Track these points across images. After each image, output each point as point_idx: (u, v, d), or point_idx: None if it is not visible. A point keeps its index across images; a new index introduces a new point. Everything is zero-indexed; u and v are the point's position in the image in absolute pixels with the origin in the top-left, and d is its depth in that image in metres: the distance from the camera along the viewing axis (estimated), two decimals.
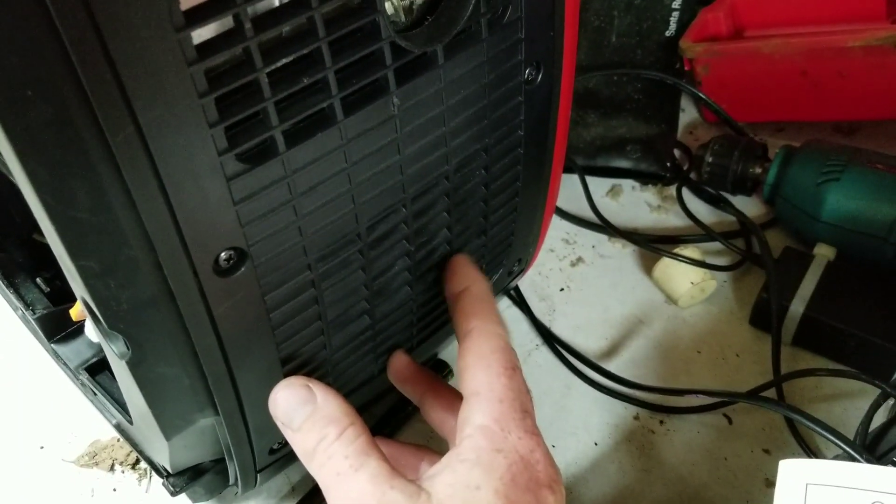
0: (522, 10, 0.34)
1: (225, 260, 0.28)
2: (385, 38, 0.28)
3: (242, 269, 0.29)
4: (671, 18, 0.69)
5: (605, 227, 0.60)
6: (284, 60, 0.26)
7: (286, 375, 0.35)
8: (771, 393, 0.49)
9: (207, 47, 0.24)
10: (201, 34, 0.24)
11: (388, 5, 0.29)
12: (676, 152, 0.67)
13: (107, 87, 0.22)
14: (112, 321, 0.28)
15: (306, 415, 0.32)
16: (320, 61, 0.27)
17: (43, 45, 0.21)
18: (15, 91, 0.22)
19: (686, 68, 0.68)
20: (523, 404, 0.33)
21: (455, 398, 0.37)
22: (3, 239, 0.51)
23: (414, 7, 0.31)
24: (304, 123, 0.28)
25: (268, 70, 0.26)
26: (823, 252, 0.54)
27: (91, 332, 0.45)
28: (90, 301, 0.27)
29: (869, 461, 0.36)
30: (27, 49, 0.21)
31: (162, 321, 0.29)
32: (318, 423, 0.32)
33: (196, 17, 0.23)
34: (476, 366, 0.33)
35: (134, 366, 0.30)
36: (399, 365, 0.40)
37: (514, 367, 0.34)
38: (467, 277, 0.37)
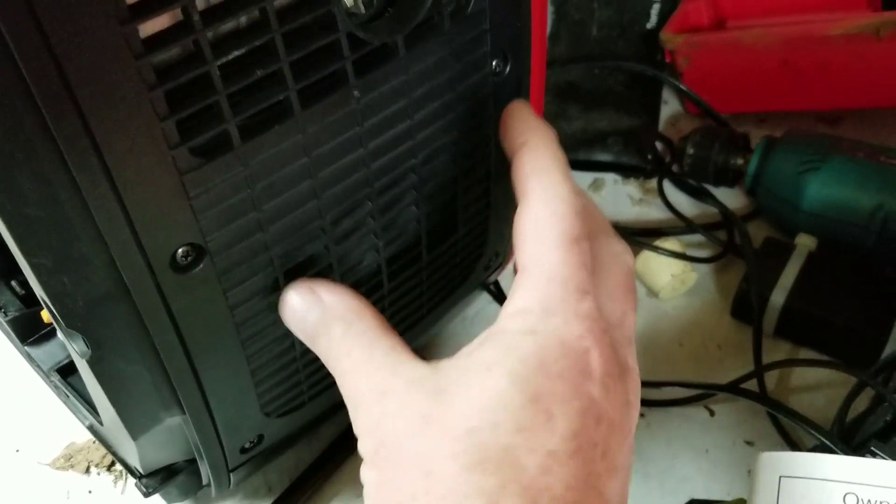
0: (487, 1, 0.33)
1: (182, 256, 0.28)
2: (342, 29, 0.28)
3: (201, 265, 0.29)
4: (652, 10, 0.69)
5: None
6: (237, 53, 0.26)
7: (253, 373, 0.34)
8: (752, 384, 0.48)
9: (155, 41, 0.24)
10: (148, 27, 0.24)
11: None
12: (658, 145, 0.66)
13: (50, 80, 0.22)
14: (70, 319, 0.27)
15: (317, 318, 0.30)
16: (274, 53, 0.27)
17: None
18: None
19: (667, 60, 0.68)
20: (581, 284, 0.26)
21: None
22: None
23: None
24: (260, 117, 0.28)
25: (219, 63, 0.25)
26: (804, 242, 0.53)
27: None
28: (47, 299, 0.27)
29: (844, 451, 0.36)
30: None
31: (120, 319, 0.28)
32: (329, 324, 0.30)
33: (142, 10, 0.23)
34: (526, 235, 0.28)
35: (94, 364, 0.29)
36: None
37: (575, 238, 0.27)
38: (526, 128, 0.31)
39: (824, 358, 0.49)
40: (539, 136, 0.30)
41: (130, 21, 0.23)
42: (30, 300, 0.49)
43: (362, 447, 0.28)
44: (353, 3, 0.30)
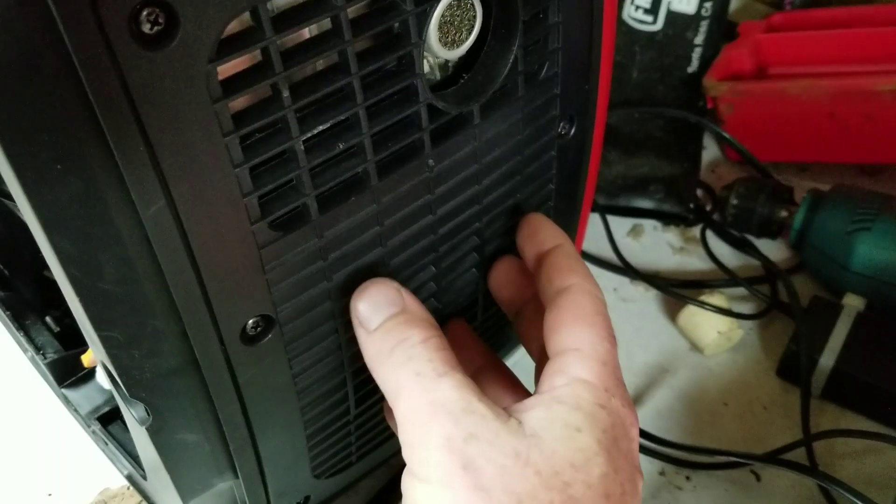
0: (559, 66, 0.33)
1: (252, 328, 0.27)
2: (423, 100, 0.27)
3: (269, 335, 0.28)
4: (693, 55, 0.69)
5: (626, 269, 0.59)
6: (321, 127, 0.25)
7: (308, 438, 0.33)
8: (801, 452, 0.47)
9: (243, 116, 0.23)
10: (237, 103, 0.23)
11: (423, 63, 0.28)
12: (699, 192, 0.65)
13: (140, 161, 0.21)
14: (134, 389, 0.27)
15: (389, 315, 0.29)
16: (357, 126, 0.26)
17: (75, 120, 0.20)
18: (44, 166, 0.21)
19: (709, 106, 0.67)
20: (620, 374, 0.30)
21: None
22: (12, 277, 0.50)
23: (449, 65, 0.30)
24: (336, 188, 0.27)
25: (304, 138, 0.25)
26: (853, 302, 0.52)
27: (102, 378, 0.44)
28: (112, 370, 0.26)
29: None
30: (58, 123, 0.20)
31: (185, 389, 0.28)
32: (401, 325, 0.29)
33: (233, 86, 0.22)
34: (576, 323, 0.30)
35: (154, 433, 0.28)
36: (502, 269, 0.36)
37: (614, 339, 0.30)
38: (557, 235, 0.34)
39: (877, 429, 0.48)
40: (569, 243, 0.34)
41: (222, 98, 0.22)
42: (66, 337, 0.48)
43: (431, 461, 0.26)
44: (428, 70, 0.30)
